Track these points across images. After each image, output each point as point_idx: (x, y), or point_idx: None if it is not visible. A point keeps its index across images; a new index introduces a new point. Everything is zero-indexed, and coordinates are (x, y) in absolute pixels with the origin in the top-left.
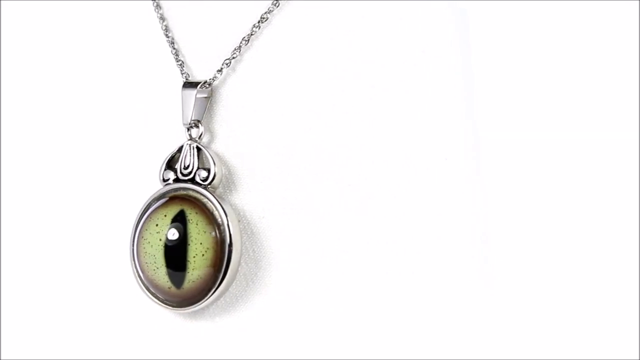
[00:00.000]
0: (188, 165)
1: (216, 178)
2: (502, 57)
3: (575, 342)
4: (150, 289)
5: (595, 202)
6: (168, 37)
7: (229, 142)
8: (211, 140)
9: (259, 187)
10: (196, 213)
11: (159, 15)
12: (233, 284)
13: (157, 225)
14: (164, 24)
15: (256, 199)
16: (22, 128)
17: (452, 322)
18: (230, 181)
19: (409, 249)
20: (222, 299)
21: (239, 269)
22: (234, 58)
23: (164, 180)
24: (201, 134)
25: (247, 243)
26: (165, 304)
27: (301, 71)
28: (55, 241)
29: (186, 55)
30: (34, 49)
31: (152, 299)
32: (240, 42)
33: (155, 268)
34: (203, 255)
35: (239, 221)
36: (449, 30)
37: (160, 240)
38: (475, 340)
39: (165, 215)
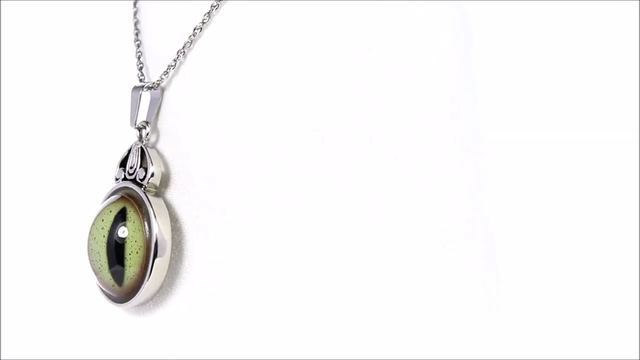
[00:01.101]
0: (133, 165)
1: (153, 177)
2: (505, 57)
3: (576, 342)
4: (99, 284)
5: (600, 202)
6: (138, 39)
7: (172, 142)
8: (157, 141)
9: (195, 187)
10: (134, 211)
11: (135, 19)
12: (166, 280)
13: (102, 220)
14: (137, 27)
15: (192, 198)
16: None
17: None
18: (170, 180)
19: (341, 249)
20: (158, 294)
21: (176, 265)
22: (178, 60)
23: (117, 179)
24: (147, 135)
25: (182, 241)
26: (111, 299)
27: (238, 71)
28: (18, 239)
29: (149, 58)
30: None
31: (103, 295)
32: (184, 44)
33: (100, 266)
34: (137, 252)
35: (177, 220)
36: (410, 28)
37: (104, 237)
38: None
39: (110, 211)
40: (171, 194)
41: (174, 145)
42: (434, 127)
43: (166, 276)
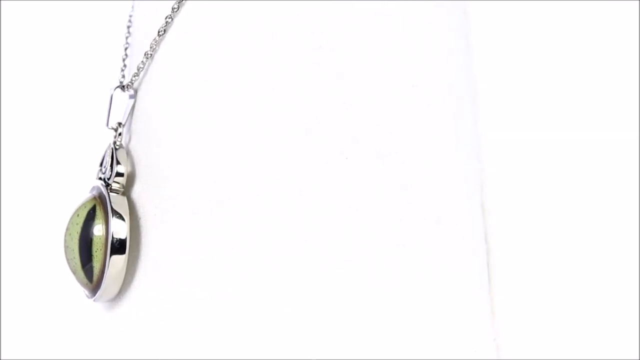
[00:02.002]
0: (105, 165)
1: (119, 177)
2: (506, 57)
3: (575, 343)
4: (77, 282)
5: (599, 203)
6: (127, 42)
7: (142, 142)
8: (130, 141)
9: (160, 186)
10: (100, 210)
11: (129, 22)
12: (128, 277)
13: (77, 215)
14: (130, 30)
15: (156, 197)
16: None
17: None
18: (137, 180)
19: (306, 249)
20: (121, 291)
21: (137, 263)
22: (146, 62)
23: (96, 179)
24: (119, 135)
25: (143, 240)
26: (87, 295)
27: (200, 71)
28: (10, 238)
29: (135, 59)
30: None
31: (81, 290)
32: (150, 46)
33: (75, 264)
34: (101, 249)
35: (140, 218)
36: (384, 28)
37: (77, 232)
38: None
39: (85, 207)
40: (138, 193)
41: (144, 145)
42: (411, 128)
43: (128, 273)
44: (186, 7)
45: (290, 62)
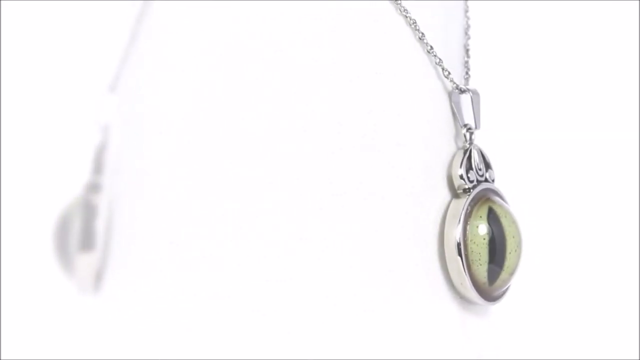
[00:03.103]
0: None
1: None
2: (504, 56)
3: (575, 343)
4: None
5: (597, 203)
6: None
7: (126, 141)
8: (116, 140)
9: (139, 183)
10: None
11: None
12: (106, 273)
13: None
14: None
15: (136, 194)
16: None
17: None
18: (120, 177)
19: (280, 247)
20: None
21: (107, 259)
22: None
23: None
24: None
25: (114, 237)
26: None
27: (167, 72)
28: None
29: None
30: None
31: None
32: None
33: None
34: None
35: (123, 215)
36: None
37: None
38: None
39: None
40: (122, 190)
41: (130, 145)
42: (394, 126)
43: (108, 270)
44: (151, 8)
45: (268, 59)
